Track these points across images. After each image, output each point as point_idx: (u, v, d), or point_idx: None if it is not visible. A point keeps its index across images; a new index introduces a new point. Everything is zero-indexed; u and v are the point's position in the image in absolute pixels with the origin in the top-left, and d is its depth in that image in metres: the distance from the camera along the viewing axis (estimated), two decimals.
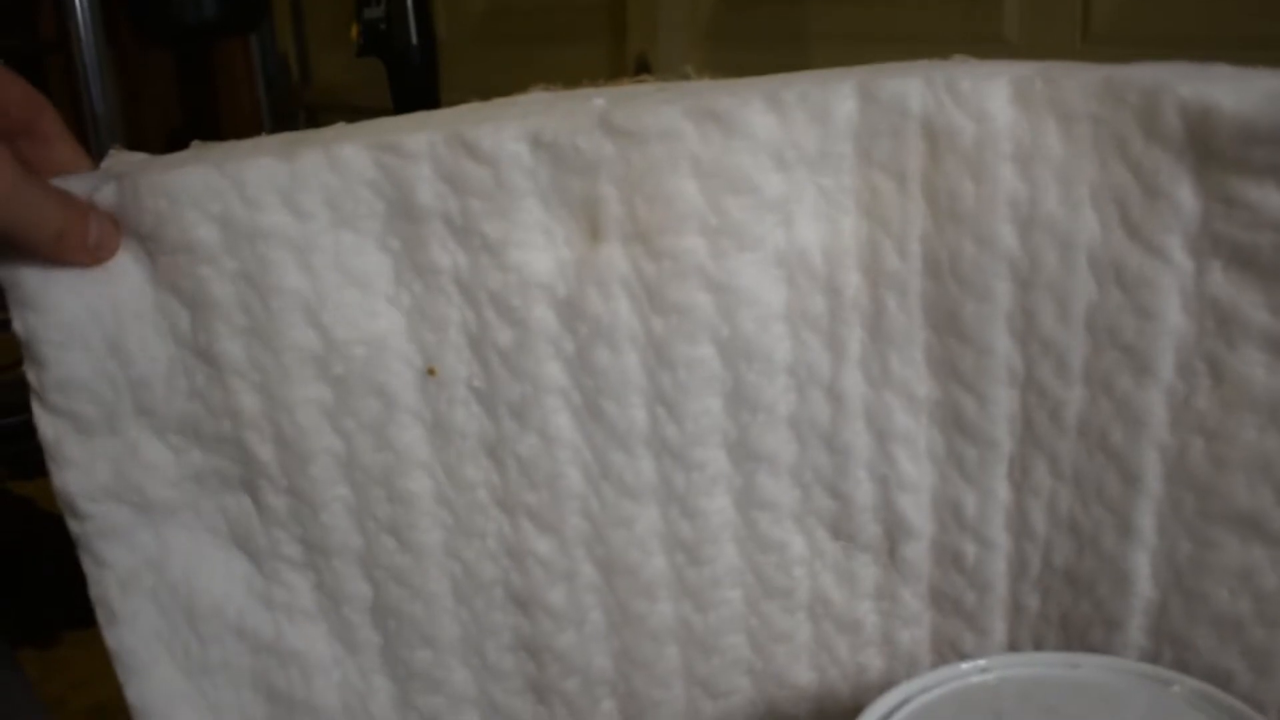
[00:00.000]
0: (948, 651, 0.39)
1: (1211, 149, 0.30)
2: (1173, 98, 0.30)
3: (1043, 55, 1.04)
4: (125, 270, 0.33)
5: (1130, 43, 0.97)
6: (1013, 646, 0.38)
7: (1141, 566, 0.35)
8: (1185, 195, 0.31)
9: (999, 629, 0.38)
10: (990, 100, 0.32)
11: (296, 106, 1.44)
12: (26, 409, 0.34)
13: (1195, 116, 0.30)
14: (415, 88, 0.71)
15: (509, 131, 0.33)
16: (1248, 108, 0.30)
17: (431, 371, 0.35)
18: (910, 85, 0.33)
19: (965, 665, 0.33)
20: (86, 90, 0.98)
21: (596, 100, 0.33)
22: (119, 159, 0.36)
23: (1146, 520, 0.34)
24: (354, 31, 0.71)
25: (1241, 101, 0.30)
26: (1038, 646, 0.38)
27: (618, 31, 1.27)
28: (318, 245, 0.33)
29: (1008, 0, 1.03)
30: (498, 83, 1.38)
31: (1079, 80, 0.32)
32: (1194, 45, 0.96)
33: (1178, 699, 0.32)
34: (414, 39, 0.68)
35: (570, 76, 1.31)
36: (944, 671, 0.33)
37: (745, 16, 1.20)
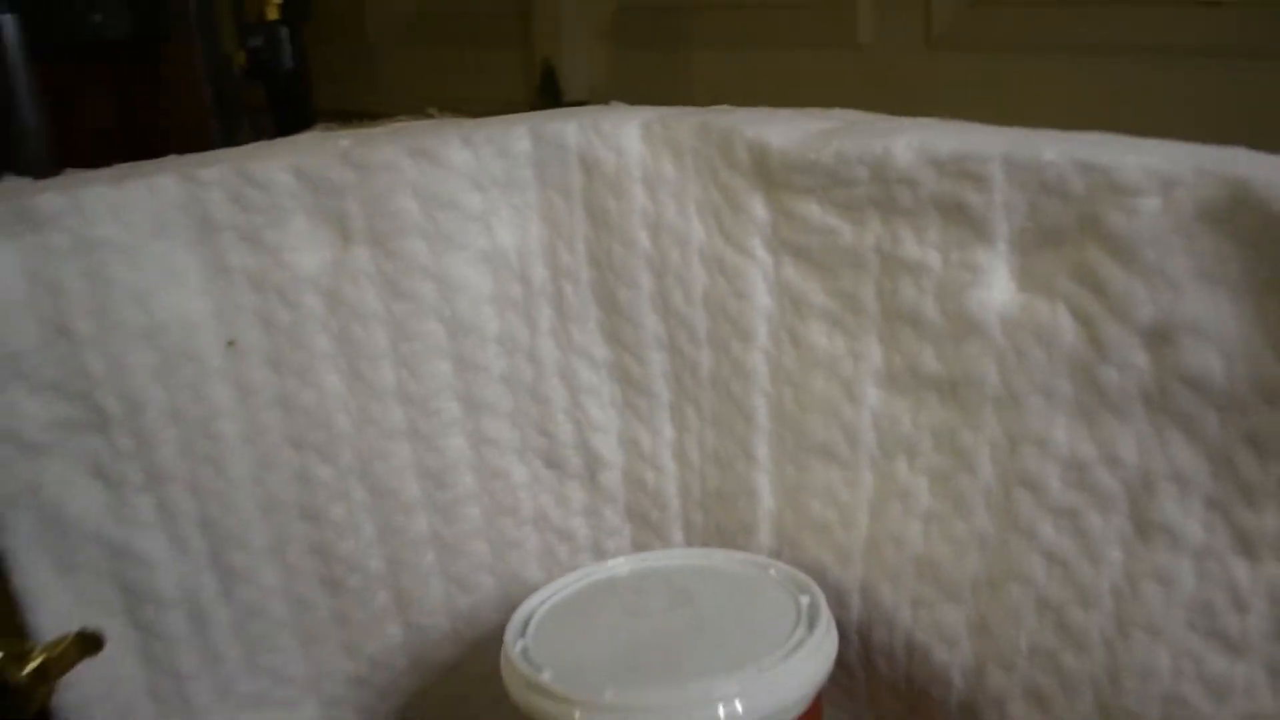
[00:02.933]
0: None
1: (771, 175, 0.45)
2: (740, 137, 0.45)
3: (891, 59, 1.21)
4: (4, 268, 0.47)
5: (969, 48, 1.12)
6: None
7: (764, 486, 0.50)
8: (758, 208, 0.46)
9: (678, 538, 0.53)
10: (625, 138, 0.47)
11: (243, 111, 1.59)
12: None
13: (757, 151, 0.45)
14: (292, 106, 0.86)
15: (277, 165, 0.47)
16: (791, 145, 0.44)
17: (231, 344, 0.49)
18: (568, 127, 0.47)
19: (613, 560, 0.48)
20: (14, 106, 1.12)
21: (342, 141, 0.48)
22: (9, 183, 0.50)
23: (763, 450, 0.49)
24: (240, 58, 0.86)
25: (787, 140, 0.44)
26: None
27: (527, 37, 1.42)
28: (143, 250, 0.48)
29: (861, 9, 1.19)
30: (422, 83, 1.54)
31: (686, 123, 0.47)
32: (1025, 50, 1.12)
33: (770, 578, 0.47)
34: (288, 64, 0.83)
35: (485, 78, 1.47)
36: (594, 567, 0.48)
37: (638, 24, 1.35)
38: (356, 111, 1.17)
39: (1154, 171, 0.37)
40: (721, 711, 0.39)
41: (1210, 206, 0.36)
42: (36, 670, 0.42)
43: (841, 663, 0.50)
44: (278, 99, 0.86)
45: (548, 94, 1.38)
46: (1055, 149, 0.39)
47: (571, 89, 1.40)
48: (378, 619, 0.53)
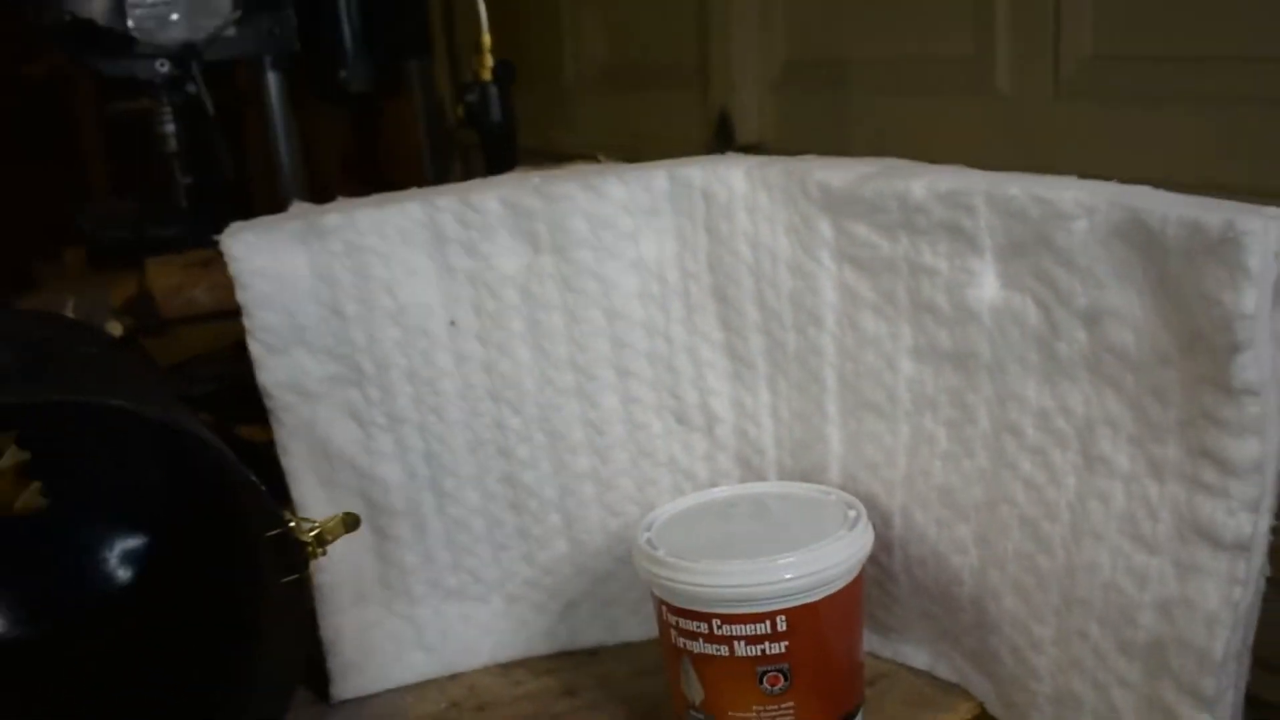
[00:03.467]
0: None
1: (834, 205, 0.64)
2: (812, 178, 0.64)
3: (1024, 107, 1.39)
4: (296, 265, 0.69)
5: (1094, 98, 1.28)
6: None
7: (833, 436, 0.68)
8: (825, 229, 0.64)
9: (773, 477, 0.71)
10: (733, 178, 0.66)
11: (454, 146, 1.83)
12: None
13: (823, 188, 0.64)
14: (499, 150, 1.07)
15: (489, 195, 0.68)
16: (845, 183, 0.63)
17: (453, 323, 0.70)
18: (694, 171, 0.67)
19: (716, 489, 0.67)
20: (275, 143, 1.38)
21: (534, 179, 0.68)
22: (297, 206, 0.72)
23: (832, 408, 0.67)
24: (458, 110, 1.08)
25: (843, 180, 0.63)
26: None
27: (705, 85, 1.62)
28: (393, 255, 0.69)
29: (999, 65, 1.35)
30: (612, 125, 1.79)
31: (775, 168, 0.65)
32: (1146, 101, 1.27)
33: (830, 500, 0.65)
34: (497, 117, 1.05)
35: (668, 121, 1.70)
36: (701, 494, 0.67)
37: (803, 75, 1.54)
38: (553, 151, 1.40)
39: (1081, 202, 0.54)
40: (780, 574, 0.58)
41: (1118, 227, 0.53)
42: (316, 534, 0.62)
43: (888, 571, 0.67)
44: (488, 142, 1.08)
45: (722, 137, 1.57)
46: (1018, 187, 0.57)
47: (743, 133, 1.59)
48: (550, 535, 0.73)
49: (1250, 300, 0.49)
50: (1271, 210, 0.50)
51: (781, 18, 1.53)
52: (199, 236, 1.30)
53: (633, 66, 1.78)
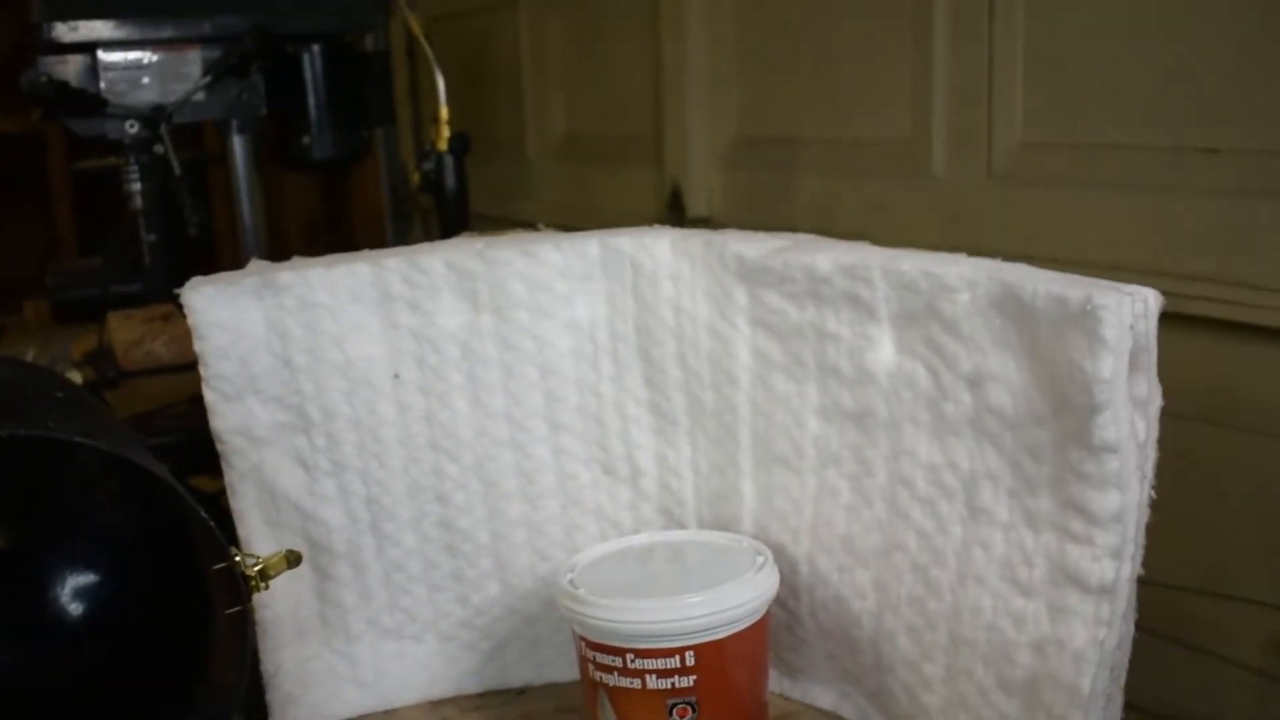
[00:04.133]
0: None
1: (748, 274, 0.70)
2: (729, 249, 0.70)
3: (958, 190, 1.48)
4: (251, 318, 0.74)
5: (1020, 183, 1.35)
6: None
7: (746, 488, 0.73)
8: (741, 296, 0.70)
9: (692, 527, 0.76)
10: (659, 249, 0.72)
11: (412, 209, 1.90)
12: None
13: (738, 259, 0.70)
14: (453, 215, 1.14)
15: (435, 258, 0.74)
16: (758, 255, 0.69)
17: (396, 376, 0.75)
18: (624, 239, 0.73)
19: (637, 536, 0.72)
20: (239, 202, 1.44)
21: (478, 243, 0.74)
22: (255, 264, 0.78)
23: (746, 462, 0.73)
24: (416, 177, 1.15)
25: (756, 252, 0.69)
26: None
27: (659, 161, 1.69)
28: (342, 311, 0.74)
29: (935, 148, 1.43)
30: (569, 195, 1.86)
31: (697, 240, 0.72)
32: (1071, 185, 1.34)
33: (741, 547, 0.70)
34: (451, 185, 1.11)
35: (623, 193, 1.78)
36: (622, 539, 0.72)
37: (751, 153, 1.61)
38: (514, 219, 1.45)
39: (964, 276, 0.61)
40: (690, 612, 0.63)
41: (996, 299, 0.60)
42: (259, 570, 0.67)
43: (795, 615, 0.73)
44: (443, 207, 1.14)
45: (675, 210, 1.64)
46: (910, 262, 0.63)
47: (694, 206, 1.66)
48: (482, 578, 0.78)
49: (1107, 367, 0.55)
50: (1129, 286, 0.57)
51: (733, 97, 1.61)
52: (161, 292, 1.35)
53: (591, 140, 1.86)
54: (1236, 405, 1.07)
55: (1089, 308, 0.55)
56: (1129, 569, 0.59)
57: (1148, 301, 0.57)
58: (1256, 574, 1.09)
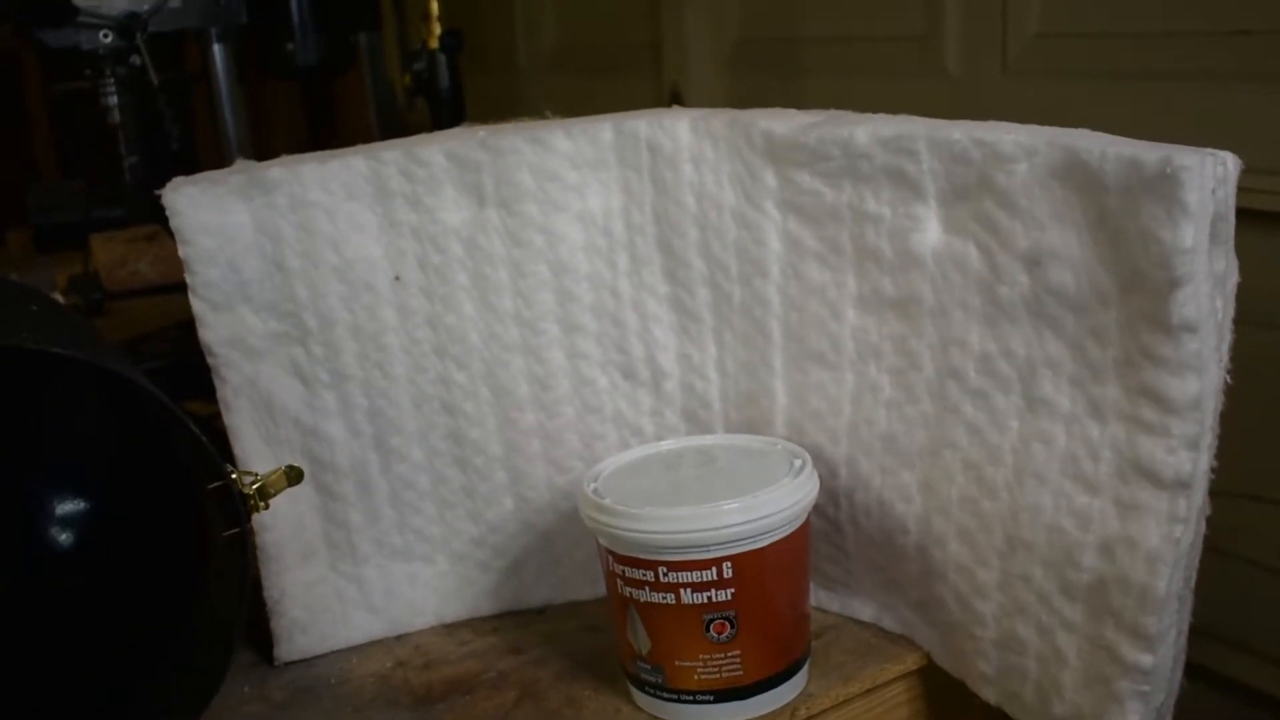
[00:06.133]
0: None
1: (778, 153, 0.64)
2: (756, 127, 0.64)
3: (974, 84, 1.41)
4: (239, 220, 0.68)
5: (1036, 73, 1.29)
6: None
7: (778, 388, 0.68)
8: (769, 178, 0.64)
9: (720, 432, 0.71)
10: (679, 130, 0.66)
11: (403, 127, 1.83)
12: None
13: (767, 137, 0.64)
14: (448, 117, 1.07)
15: (435, 149, 0.68)
16: (788, 131, 0.63)
17: (397, 278, 0.70)
18: (640, 122, 0.67)
19: (663, 442, 0.67)
20: (222, 118, 1.37)
21: (480, 132, 0.68)
22: (241, 163, 0.71)
23: (777, 360, 0.67)
24: (405, 79, 1.08)
25: (786, 128, 0.63)
26: None
27: (658, 66, 1.62)
28: (338, 209, 0.68)
29: (948, 43, 1.37)
30: (565, 107, 1.77)
31: (720, 119, 0.65)
32: (1088, 76, 1.29)
33: (776, 450, 0.65)
34: (445, 85, 1.04)
35: (621, 102, 1.69)
36: (648, 446, 0.67)
37: (755, 55, 1.54)
38: None
39: (1021, 144, 0.55)
40: (726, 520, 0.58)
41: (1057, 167, 0.54)
42: (258, 488, 0.62)
43: (834, 523, 0.68)
44: (437, 114, 1.08)
45: None
46: (959, 131, 0.57)
47: None
48: (496, 492, 0.73)
49: (1189, 236, 0.50)
50: (1207, 150, 0.51)
51: None
52: (145, 215, 1.29)
53: (585, 50, 1.78)
54: (1263, 301, 1.02)
55: (1169, 170, 0.49)
56: (1205, 460, 0.54)
57: (1227, 165, 0.51)
58: None
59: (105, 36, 1.19)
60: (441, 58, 1.06)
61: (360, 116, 1.70)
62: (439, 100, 1.07)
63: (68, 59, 1.31)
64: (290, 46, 1.23)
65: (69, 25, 1.19)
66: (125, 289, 1.27)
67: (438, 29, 1.07)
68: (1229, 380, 0.55)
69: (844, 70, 1.43)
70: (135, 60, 1.22)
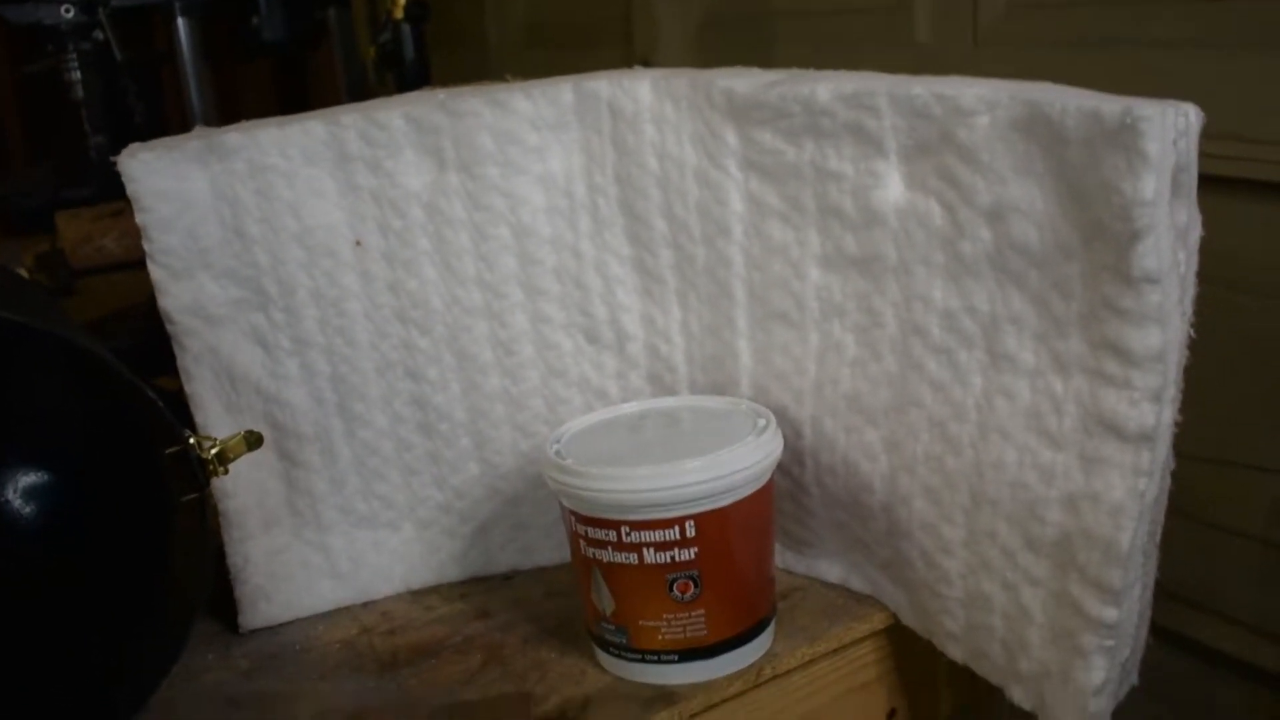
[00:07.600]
0: None
1: (739, 112, 0.63)
2: (716, 86, 0.63)
3: (945, 55, 1.41)
4: (197, 186, 0.67)
5: (1007, 43, 1.28)
6: None
7: (743, 349, 0.67)
8: (731, 137, 0.63)
9: (685, 394, 0.70)
10: (640, 90, 0.65)
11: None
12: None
13: (727, 95, 0.63)
14: (415, 87, 1.06)
15: (394, 112, 0.66)
16: (749, 89, 0.62)
17: (358, 243, 0.68)
18: (600, 83, 0.66)
19: (627, 404, 0.66)
20: (188, 95, 1.35)
21: (440, 95, 0.67)
22: (200, 129, 0.70)
23: (741, 321, 0.66)
24: (371, 52, 1.06)
25: (747, 87, 0.62)
26: None
27: (628, 40, 1.61)
28: (297, 174, 0.67)
29: (918, 13, 1.36)
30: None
31: (681, 79, 0.64)
32: (1059, 45, 1.29)
33: (740, 410, 0.64)
34: (410, 56, 1.03)
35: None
36: (611, 408, 0.66)
37: (723, 29, 1.53)
38: None
39: (983, 97, 0.54)
40: (688, 479, 0.57)
41: (1019, 120, 0.53)
42: (217, 453, 0.61)
43: (799, 483, 0.67)
44: (403, 83, 1.06)
45: None
46: (921, 86, 0.56)
47: None
48: (461, 458, 0.72)
49: (1149, 187, 0.49)
50: (1168, 101, 0.50)
51: None
52: (113, 192, 1.27)
53: (555, 26, 1.77)
54: (1238, 267, 1.01)
55: (1128, 120, 0.49)
56: (1169, 413, 0.53)
57: (1189, 116, 0.51)
58: (1261, 440, 1.04)
59: (67, 11, 1.17)
60: (406, 28, 1.04)
61: (332, 94, 1.68)
62: (405, 74, 1.05)
63: (30, 34, 1.29)
64: (255, 21, 1.21)
65: (30, 0, 1.17)
66: (92, 266, 1.25)
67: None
68: (1193, 335, 0.54)
69: (814, 42, 1.42)
70: (99, 35, 1.21)
